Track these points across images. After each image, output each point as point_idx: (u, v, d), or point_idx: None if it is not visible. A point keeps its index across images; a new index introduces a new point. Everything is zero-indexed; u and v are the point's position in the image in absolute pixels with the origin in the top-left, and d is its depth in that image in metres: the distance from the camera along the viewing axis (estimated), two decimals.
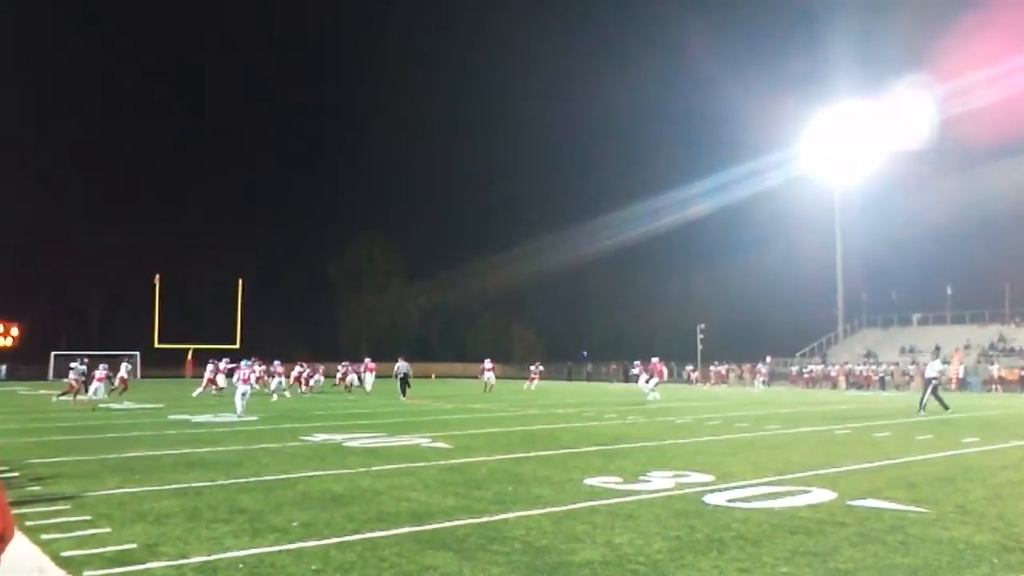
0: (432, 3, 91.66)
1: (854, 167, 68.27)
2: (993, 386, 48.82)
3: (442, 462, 11.22)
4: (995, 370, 51.66)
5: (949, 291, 66.99)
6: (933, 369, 23.49)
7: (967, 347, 58.77)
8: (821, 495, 8.36)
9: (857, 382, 52.83)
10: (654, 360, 31.33)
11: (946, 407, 22.30)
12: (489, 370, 38.96)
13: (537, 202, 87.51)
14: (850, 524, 6.96)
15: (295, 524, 7.03)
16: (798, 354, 66.00)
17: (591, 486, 9.04)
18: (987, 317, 65.11)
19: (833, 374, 54.88)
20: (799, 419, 20.20)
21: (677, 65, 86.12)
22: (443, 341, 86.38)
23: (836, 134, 66.64)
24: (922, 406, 22.33)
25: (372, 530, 6.78)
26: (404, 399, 29.28)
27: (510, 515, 7.40)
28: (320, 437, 14.81)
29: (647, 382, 30.08)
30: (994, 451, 12.92)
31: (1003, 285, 64.85)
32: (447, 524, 7.01)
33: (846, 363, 58.09)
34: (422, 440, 14.23)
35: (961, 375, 51.93)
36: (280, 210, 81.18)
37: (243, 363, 22.31)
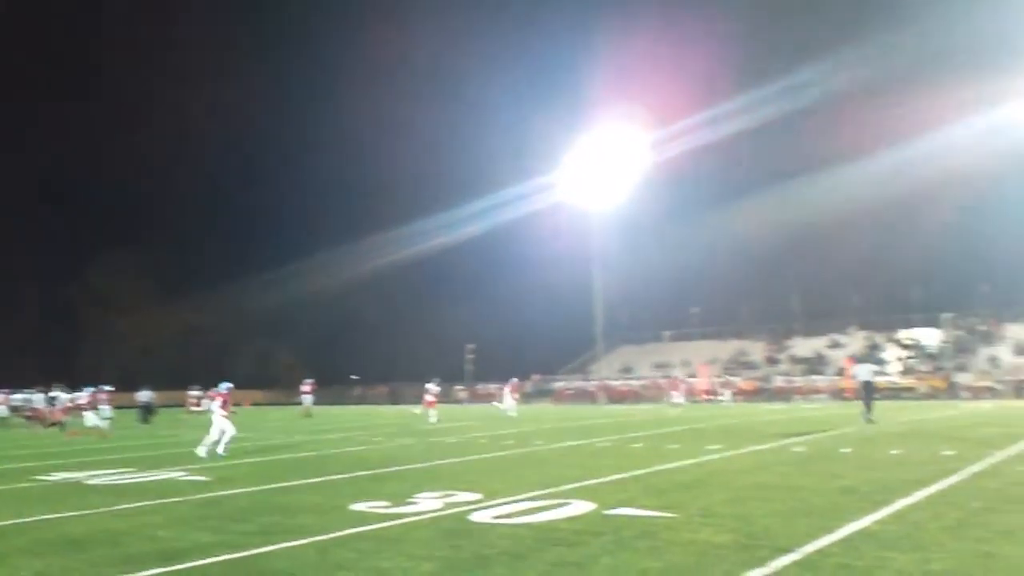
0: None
1: (610, 192, 72.59)
2: (732, 396, 53.36)
3: (199, 496, 10.62)
4: (735, 382, 56.52)
5: (695, 310, 72.80)
6: (866, 373, 23.17)
7: (712, 361, 63.86)
8: (581, 507, 8.76)
9: (614, 396, 55.96)
10: (514, 380, 35.15)
11: (869, 412, 22.15)
12: (307, 392, 37.97)
13: (302, 223, 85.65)
14: (606, 533, 7.34)
15: (24, 575, 6.38)
16: (561, 371, 68.86)
17: (359, 511, 8.92)
18: (728, 333, 71.29)
19: (591, 389, 57.73)
20: (562, 434, 21.06)
21: (442, 89, 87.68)
22: (201, 366, 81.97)
23: (593, 160, 70.64)
24: (868, 412, 22.15)
25: (116, 575, 6.29)
26: (146, 427, 27.77)
27: (272, 547, 7.13)
28: (58, 476, 13.55)
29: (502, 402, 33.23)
30: (734, 457, 14.13)
31: (741, 305, 71.39)
32: (202, 562, 6.64)
33: (605, 378, 61.26)
34: (178, 474, 13.40)
35: (707, 388, 56.34)
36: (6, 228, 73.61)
37: None
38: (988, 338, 59.17)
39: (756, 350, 67.70)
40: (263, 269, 76.75)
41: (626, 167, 71.29)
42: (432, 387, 29.75)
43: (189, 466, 14.64)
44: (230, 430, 16.73)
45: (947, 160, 57.77)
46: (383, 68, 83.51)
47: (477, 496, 9.75)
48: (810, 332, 68.22)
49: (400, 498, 9.73)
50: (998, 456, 12.80)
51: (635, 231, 74.28)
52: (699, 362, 61.91)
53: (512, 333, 76.44)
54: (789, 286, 69.68)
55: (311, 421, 32.92)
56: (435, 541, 7.20)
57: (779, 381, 55.93)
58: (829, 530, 7.14)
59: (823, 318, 68.20)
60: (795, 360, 63.73)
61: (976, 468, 11.33)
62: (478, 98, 78.34)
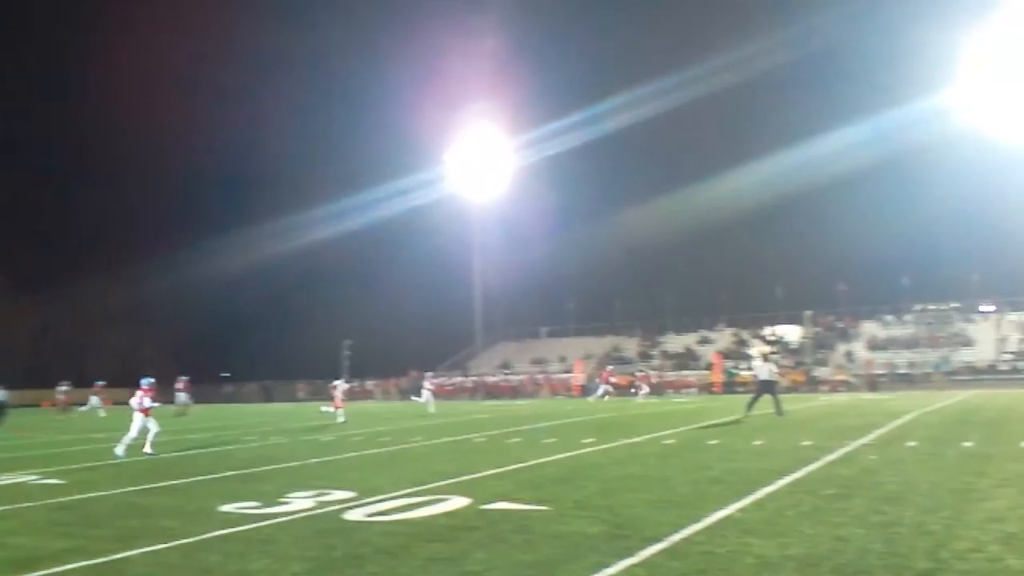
0: None
1: (490, 188, 73.08)
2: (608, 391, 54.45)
3: (53, 500, 10.08)
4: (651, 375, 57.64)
5: (571, 306, 74.07)
6: (765, 371, 23.16)
7: (587, 356, 65.06)
8: (457, 502, 8.78)
9: (492, 392, 56.33)
10: (429, 374, 37.44)
11: (750, 409, 22.11)
12: (180, 390, 36.69)
13: (169, 213, 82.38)
14: (482, 527, 7.38)
15: None
16: (439, 367, 68.80)
17: (226, 513, 8.66)
18: (603, 330, 72.85)
19: (470, 385, 57.97)
20: (440, 430, 21.06)
21: (322, 82, 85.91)
22: (60, 363, 77.69)
23: (474, 156, 71.00)
24: (779, 410, 21.95)
25: None
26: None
27: (133, 552, 6.84)
28: None
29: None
30: (607, 449, 14.47)
31: (614, 301, 73.09)
32: (56, 570, 6.31)
33: (484, 374, 61.58)
34: (28, 478, 12.67)
35: (583, 382, 57.39)
36: None
37: None
38: (845, 334, 62.56)
39: (630, 346, 69.41)
40: (125, 262, 73.41)
41: (505, 164, 72.00)
42: (341, 384, 28.74)
43: (44, 469, 13.88)
44: (153, 427, 16.12)
45: (810, 166, 60.88)
46: (264, 60, 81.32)
47: (351, 494, 9.63)
48: (681, 328, 70.48)
49: (271, 498, 9.51)
50: (851, 446, 13.56)
51: (514, 228, 75.01)
52: (575, 357, 62.98)
53: (391, 329, 75.86)
54: (662, 284, 71.83)
55: (185, 420, 31.78)
56: (307, 541, 7.07)
57: (652, 376, 57.48)
58: (696, 519, 7.40)
59: (694, 315, 70.66)
60: (667, 355, 65.68)
61: (831, 457, 11.97)
62: (360, 92, 77.24)
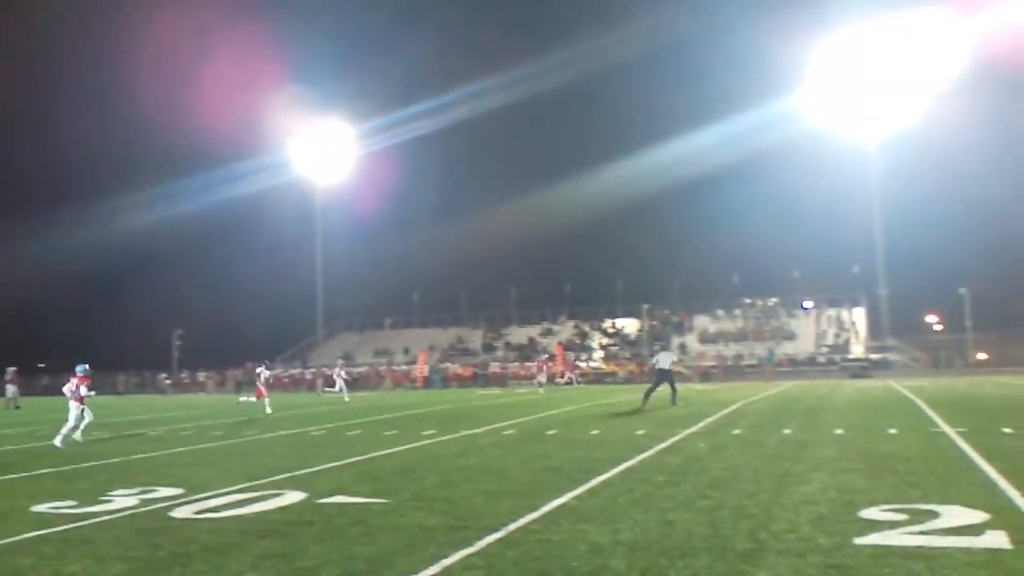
0: None
1: (337, 174, 71.73)
2: (451, 382, 54.87)
3: None
4: (452, 368, 58.02)
5: (416, 297, 73.79)
6: (666, 361, 23.37)
7: (431, 348, 65.11)
8: (292, 496, 8.60)
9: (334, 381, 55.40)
10: (341, 361, 36.13)
11: (675, 399, 22.58)
12: (11, 382, 34.14)
13: None
14: (317, 522, 7.27)
15: None
16: (279, 358, 67.07)
17: (41, 513, 8.14)
18: (448, 321, 73.07)
19: (309, 377, 56.84)
20: (278, 423, 20.54)
21: (160, 61, 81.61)
22: None
23: (322, 140, 69.49)
24: (674, 399, 22.45)
25: None
26: None
27: None
28: None
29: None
30: (448, 441, 14.55)
31: (460, 291, 73.46)
32: None
33: (324, 366, 60.49)
34: None
35: (426, 373, 57.41)
36: None
37: None
38: (679, 327, 65.43)
39: (474, 337, 69.97)
40: None
41: (351, 152, 70.84)
42: (264, 372, 26.83)
43: None
44: (87, 416, 16.00)
45: (653, 170, 63.39)
46: (92, 37, 76.44)
47: (179, 491, 9.25)
48: (524, 320, 71.68)
49: (91, 496, 9.01)
50: (682, 434, 14.22)
51: (361, 217, 74.04)
52: (419, 348, 62.91)
53: (226, 318, 73.23)
54: (507, 276, 72.86)
55: (19, 414, 29.68)
56: (129, 540, 6.74)
57: (495, 367, 58.26)
58: (533, 508, 7.57)
59: (537, 307, 72.03)
60: (510, 347, 66.64)
61: (663, 445, 12.52)
62: (197, 74, 73.90)
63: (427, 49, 73.72)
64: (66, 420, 15.87)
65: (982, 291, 58.97)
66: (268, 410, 25.13)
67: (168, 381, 60.07)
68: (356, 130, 69.73)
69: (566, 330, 68.30)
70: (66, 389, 16.35)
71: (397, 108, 68.60)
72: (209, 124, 71.83)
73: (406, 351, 65.01)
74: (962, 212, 63.98)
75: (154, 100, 77.95)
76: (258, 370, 27.39)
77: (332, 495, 8.62)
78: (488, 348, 66.70)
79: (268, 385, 26.59)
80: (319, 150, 69.93)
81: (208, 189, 68.21)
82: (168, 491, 9.27)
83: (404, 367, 60.77)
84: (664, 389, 22.64)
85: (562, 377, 49.23)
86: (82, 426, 15.95)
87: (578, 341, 65.65)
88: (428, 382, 55.76)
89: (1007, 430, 13.33)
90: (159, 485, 9.73)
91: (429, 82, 71.64)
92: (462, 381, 55.76)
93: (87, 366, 16.54)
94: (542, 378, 42.68)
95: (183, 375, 62.71)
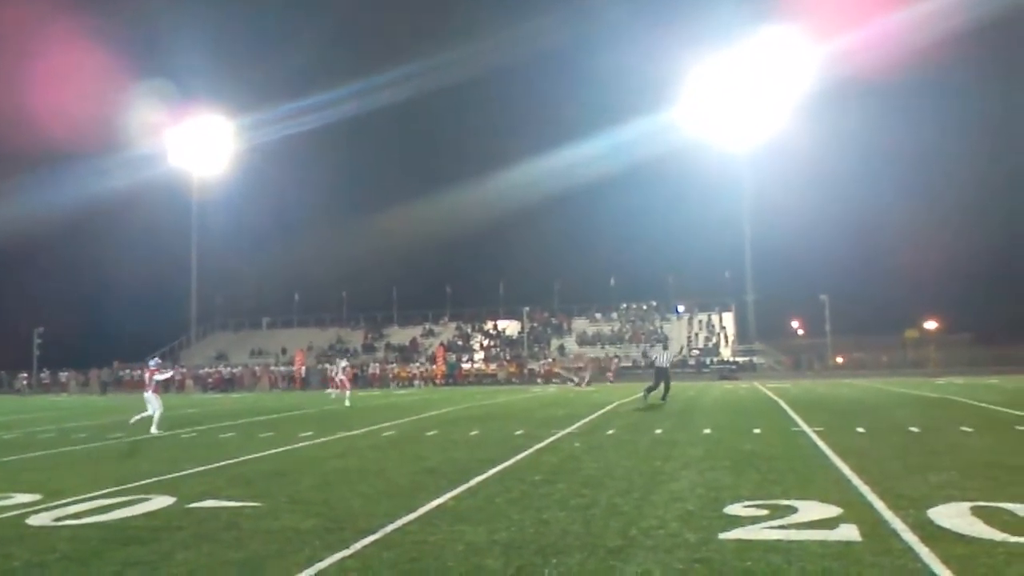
0: None
1: (215, 170, 69.48)
2: (332, 385, 53.92)
3: None
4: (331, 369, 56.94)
5: (296, 297, 72.30)
6: (665, 359, 23.67)
7: (310, 348, 63.89)
8: (160, 501, 8.28)
9: (206, 385, 53.68)
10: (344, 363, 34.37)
11: (654, 397, 22.82)
12: None
13: None
14: (186, 527, 7.02)
15: None
16: (147, 358, 64.43)
17: None
18: (328, 321, 71.87)
19: (179, 378, 54.87)
20: (144, 425, 19.72)
21: (44, 42, 76.95)
22: None
23: (200, 134, 67.16)
24: (648, 393, 22.84)
25: None
26: None
27: None
28: None
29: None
30: (326, 443, 14.31)
31: (342, 292, 72.38)
32: None
33: (198, 366, 58.58)
34: None
35: (304, 375, 56.27)
36: None
37: None
38: (559, 330, 66.38)
39: (355, 337, 69.08)
40: None
41: (231, 148, 68.75)
42: (345, 365, 27.15)
43: None
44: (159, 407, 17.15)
45: (539, 178, 64.19)
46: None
47: (35, 497, 8.77)
48: (406, 321, 71.24)
49: None
50: (559, 434, 14.44)
51: (241, 215, 71.99)
52: (297, 348, 61.67)
53: (92, 316, 69.83)
54: (390, 277, 72.29)
55: None
56: None
57: (375, 368, 57.66)
58: (410, 509, 7.53)
59: (419, 308, 71.72)
60: (391, 348, 66.10)
61: (540, 445, 12.68)
62: (57, 63, 70.03)
63: (311, 45, 72.42)
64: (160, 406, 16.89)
65: (841, 298, 62.27)
66: (347, 403, 26.85)
67: (26, 381, 56.77)
68: (236, 124, 67.73)
69: (448, 331, 68.25)
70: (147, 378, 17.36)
71: (279, 103, 67.05)
72: (74, 115, 68.31)
73: (284, 351, 63.54)
74: (824, 223, 67.48)
75: (8, 89, 73.66)
76: (342, 364, 30.92)
77: (202, 499, 8.34)
78: (369, 348, 65.95)
79: (350, 378, 29.61)
80: (196, 143, 67.55)
81: (73, 182, 64.81)
82: (24, 497, 8.78)
83: (282, 368, 59.40)
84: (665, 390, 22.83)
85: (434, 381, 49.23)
86: (156, 416, 16.79)
87: (460, 342, 65.71)
88: (307, 383, 54.68)
89: (860, 430, 14.11)
90: (14, 491, 9.20)
91: (313, 79, 70.32)
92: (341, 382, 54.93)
93: (159, 360, 18.19)
94: (579, 376, 46.16)
95: (43, 375, 59.42)
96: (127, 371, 58.89)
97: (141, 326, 67.97)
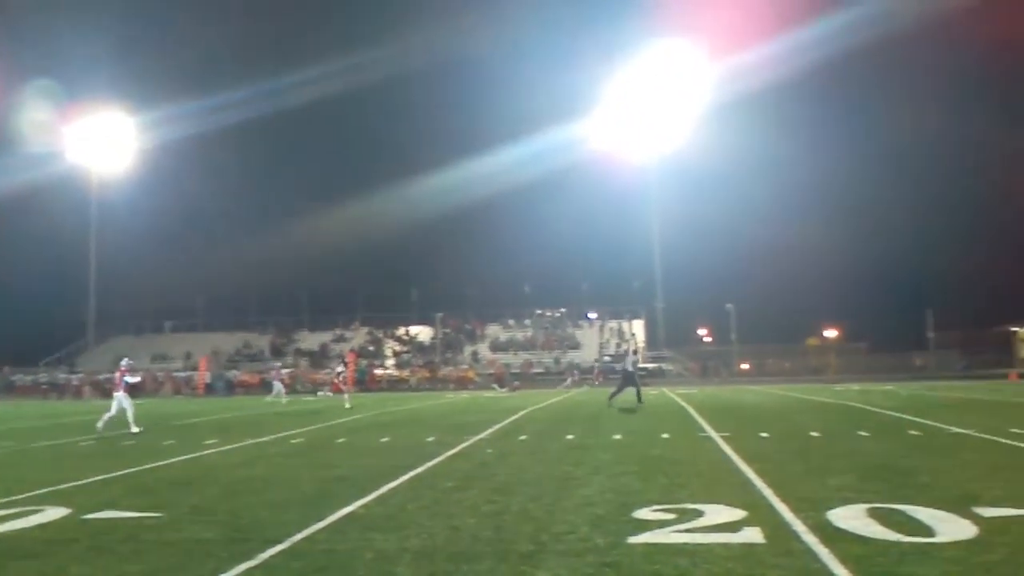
0: None
1: (115, 165, 67.19)
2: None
3: None
4: (237, 375, 55.82)
5: (202, 300, 70.43)
6: (630, 363, 24.76)
7: (215, 353, 62.35)
8: (54, 513, 7.95)
9: (106, 389, 51.76)
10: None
11: (620, 400, 24.10)
12: None
13: None
14: (82, 539, 6.76)
15: None
16: (42, 363, 61.87)
17: None
18: (234, 325, 70.21)
19: (76, 383, 52.89)
20: (39, 433, 18.92)
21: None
22: None
23: (100, 130, 64.84)
24: (615, 395, 24.31)
25: None
26: None
27: None
28: None
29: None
30: (231, 451, 13.97)
31: (250, 295, 70.88)
32: None
33: (95, 371, 56.52)
34: None
35: (208, 380, 54.85)
36: None
37: None
38: (472, 336, 66.40)
39: (262, 342, 67.70)
40: None
41: (133, 145, 66.57)
42: (340, 370, 27.94)
43: None
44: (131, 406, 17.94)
45: (456, 186, 64.16)
46: None
47: None
48: (316, 326, 70.20)
49: None
50: (471, 440, 14.43)
51: (143, 215, 69.75)
52: (201, 354, 60.08)
53: None
54: (299, 281, 71.11)
55: None
56: None
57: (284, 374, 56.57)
58: (319, 517, 7.41)
59: (330, 313, 70.74)
60: (301, 353, 65.05)
61: (452, 452, 12.65)
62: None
63: (220, 42, 70.71)
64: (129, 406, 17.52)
65: (746, 307, 64.09)
66: (347, 405, 27.70)
67: None
68: (139, 121, 65.58)
69: (359, 336, 67.51)
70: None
71: (185, 100, 65.25)
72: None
73: (188, 356, 61.80)
74: (731, 233, 69.41)
75: None
76: (338, 369, 33.53)
77: (100, 510, 8.04)
78: (277, 354, 64.68)
79: (344, 382, 31.13)
80: (97, 141, 65.15)
81: None
82: None
83: (185, 373, 57.72)
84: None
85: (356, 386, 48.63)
86: (130, 417, 17.56)
87: (371, 348, 65.05)
88: (211, 389, 53.27)
89: (764, 434, 14.53)
90: None
91: (223, 76, 68.74)
92: (248, 388, 53.73)
93: (131, 361, 19.24)
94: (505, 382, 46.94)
95: None
96: (19, 376, 56.35)
97: (36, 329, 65.16)
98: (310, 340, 67.23)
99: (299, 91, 65.10)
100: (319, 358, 62.72)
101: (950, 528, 6.42)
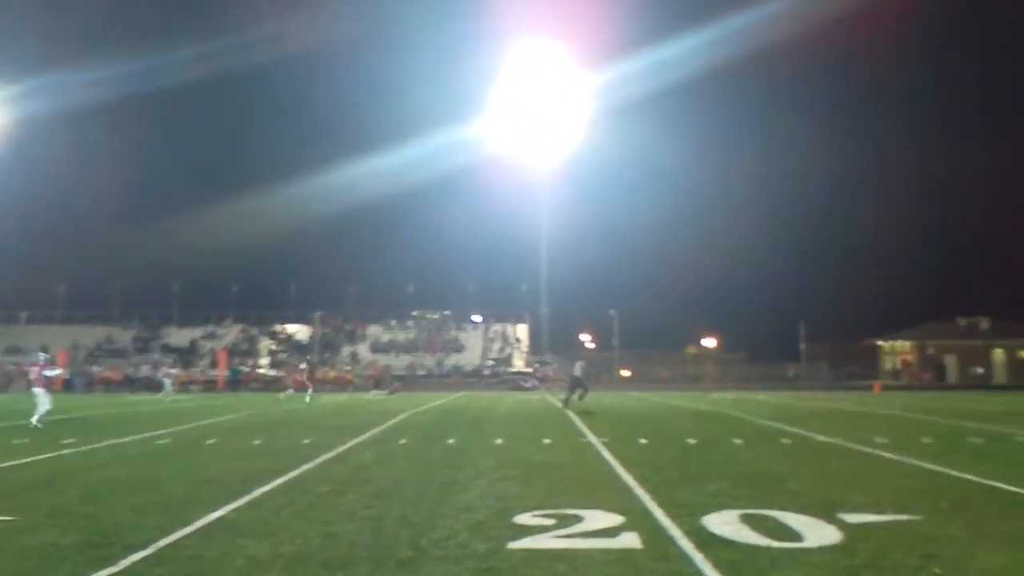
0: None
1: None
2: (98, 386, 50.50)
3: None
4: (99, 371, 53.49)
5: (62, 290, 67.08)
6: (579, 369, 26.74)
7: (75, 347, 59.54)
8: None
9: None
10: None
11: (567, 405, 25.55)
12: None
13: None
14: None
15: None
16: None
17: None
18: (96, 318, 67.16)
19: None
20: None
21: None
22: None
23: None
24: (569, 399, 25.85)
25: None
26: None
27: None
28: None
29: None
30: (92, 451, 13.37)
31: (112, 286, 67.87)
32: None
33: None
34: None
35: (68, 376, 52.25)
36: None
37: None
38: (352, 336, 65.59)
39: (125, 337, 65.03)
40: None
41: None
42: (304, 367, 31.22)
43: None
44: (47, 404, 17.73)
45: (338, 182, 63.23)
46: None
47: None
48: (186, 322, 67.90)
49: None
50: (349, 443, 14.27)
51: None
52: (59, 347, 57.22)
53: None
54: (170, 274, 68.66)
55: None
56: None
57: (148, 371, 54.50)
58: (186, 522, 7.20)
59: (201, 308, 68.53)
60: (168, 349, 62.82)
61: (329, 455, 12.48)
62: None
63: (94, 12, 67.49)
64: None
65: (629, 314, 65.64)
66: (307, 399, 29.34)
67: None
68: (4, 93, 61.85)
69: (232, 334, 65.65)
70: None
71: (52, 73, 61.92)
72: None
73: (45, 350, 58.70)
74: (616, 241, 70.94)
75: None
76: (302, 366, 34.38)
77: None
78: (141, 350, 62.19)
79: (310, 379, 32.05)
80: None
81: None
82: None
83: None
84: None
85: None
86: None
87: (245, 346, 63.37)
88: (69, 385, 50.76)
89: (642, 441, 14.92)
90: None
91: (98, 51, 65.66)
92: (110, 385, 51.48)
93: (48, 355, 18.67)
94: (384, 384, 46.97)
95: None
96: None
97: None
98: (178, 336, 64.94)
99: (179, 71, 62.95)
100: (188, 355, 60.66)
101: (817, 533, 6.76)
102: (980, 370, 64.05)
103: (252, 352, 62.43)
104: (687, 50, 59.47)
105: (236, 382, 52.09)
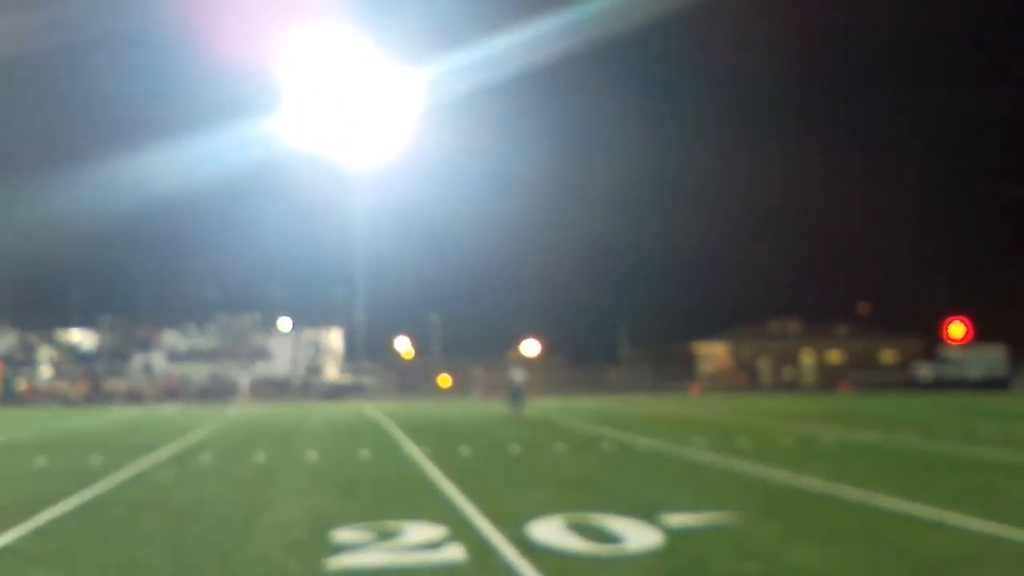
0: None
1: None
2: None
3: None
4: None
5: None
6: (519, 375, 28.24)
7: None
8: None
9: None
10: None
11: (518, 414, 26.72)
12: None
13: None
14: None
15: None
16: None
17: None
18: None
19: None
20: None
21: None
22: None
23: None
24: (517, 409, 27.29)
25: None
26: None
27: None
28: None
29: None
30: None
31: None
32: None
33: None
34: None
35: None
36: None
37: None
38: (145, 344, 62.52)
39: None
40: None
41: None
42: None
43: None
44: None
45: (128, 175, 60.15)
46: None
47: None
48: None
49: None
50: (145, 463, 13.70)
51: None
52: None
53: None
54: None
55: None
56: None
57: None
58: None
59: None
60: None
61: (123, 475, 11.95)
62: None
63: None
64: None
65: (450, 318, 66.12)
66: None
67: None
68: None
69: (6, 340, 61.10)
70: None
71: None
72: None
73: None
74: (434, 243, 71.37)
75: None
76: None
77: None
78: None
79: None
80: None
81: None
82: None
83: None
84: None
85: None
86: None
87: (21, 355, 59.10)
88: None
89: (465, 449, 15.17)
90: None
91: None
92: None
93: None
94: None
95: None
96: None
97: None
98: None
99: None
100: None
101: (639, 537, 7.17)
102: (790, 372, 68.85)
103: (30, 361, 58.34)
104: (506, 48, 60.60)
105: (11, 394, 48.53)
